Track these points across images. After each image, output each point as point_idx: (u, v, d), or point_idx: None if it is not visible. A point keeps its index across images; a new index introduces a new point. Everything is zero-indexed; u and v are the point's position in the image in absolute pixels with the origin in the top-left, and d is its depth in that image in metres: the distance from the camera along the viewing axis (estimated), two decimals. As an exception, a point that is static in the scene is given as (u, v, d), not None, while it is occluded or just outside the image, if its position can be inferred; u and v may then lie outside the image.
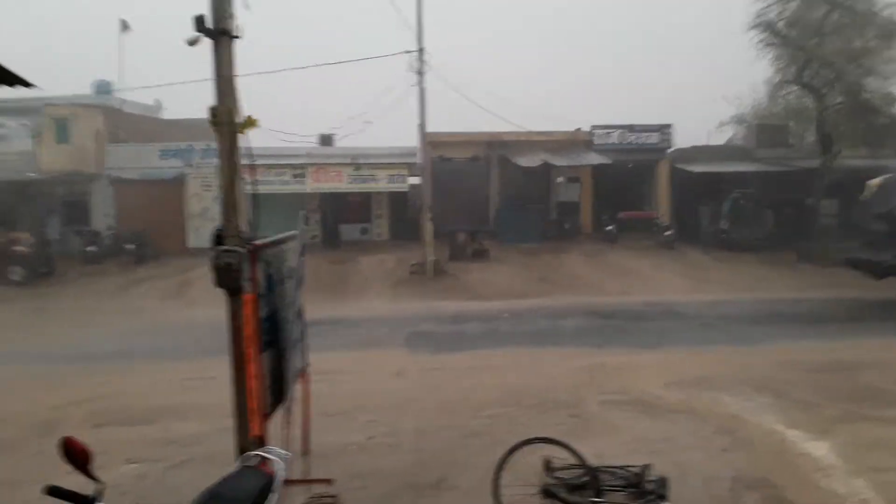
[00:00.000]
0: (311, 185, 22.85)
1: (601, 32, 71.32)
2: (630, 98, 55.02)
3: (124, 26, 26.98)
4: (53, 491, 2.47)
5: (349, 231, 25.08)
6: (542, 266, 20.31)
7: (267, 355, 4.97)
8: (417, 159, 23.12)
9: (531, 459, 4.47)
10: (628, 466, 4.89)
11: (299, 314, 5.54)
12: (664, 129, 25.69)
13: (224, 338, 4.48)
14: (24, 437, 7.12)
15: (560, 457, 4.58)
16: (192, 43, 4.35)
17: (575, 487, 4.53)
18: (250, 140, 4.64)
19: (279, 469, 3.27)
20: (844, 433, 6.56)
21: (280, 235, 5.44)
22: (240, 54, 4.50)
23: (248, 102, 4.51)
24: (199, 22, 4.27)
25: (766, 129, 25.74)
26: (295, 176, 22.57)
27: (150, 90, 28.88)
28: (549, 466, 4.73)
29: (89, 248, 21.77)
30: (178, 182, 23.61)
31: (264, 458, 3.53)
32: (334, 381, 8.75)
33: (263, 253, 4.82)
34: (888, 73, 20.78)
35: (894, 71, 20.76)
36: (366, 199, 25.14)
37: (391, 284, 18.90)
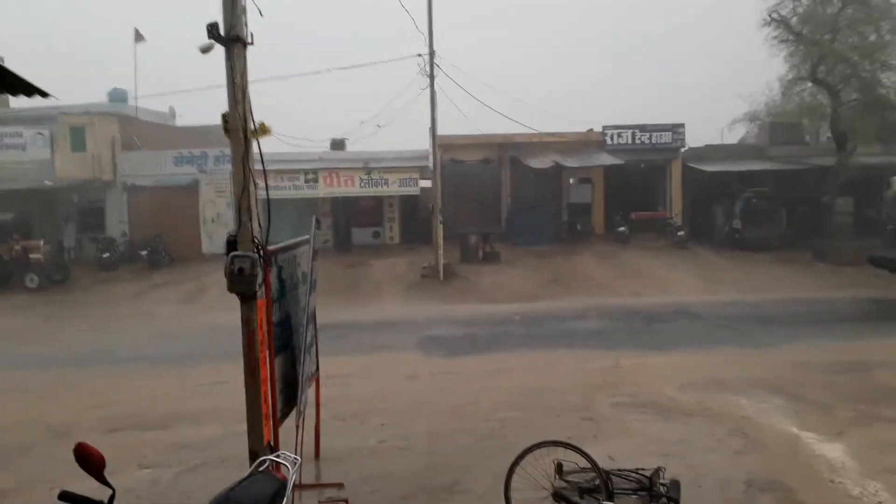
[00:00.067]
0: (323, 189, 22.98)
1: (601, 32, 71.30)
2: (636, 98, 54.86)
3: (138, 37, 27.24)
4: (66, 496, 2.50)
5: (361, 235, 25.18)
6: (553, 268, 20.26)
7: (280, 360, 5.02)
8: (429, 162, 23.15)
9: (543, 463, 4.47)
10: (640, 469, 4.87)
11: (312, 318, 5.58)
12: (676, 129, 25.48)
13: (237, 343, 4.52)
14: (39, 442, 7.21)
15: (572, 460, 4.58)
16: (206, 50, 4.34)
17: (586, 491, 4.51)
18: (263, 146, 4.67)
19: (291, 474, 3.29)
20: (859, 435, 6.51)
21: (293, 240, 5.48)
22: (252, 59, 4.52)
23: (260, 108, 4.53)
24: (213, 29, 4.26)
25: (779, 127, 25.49)
26: (307, 181, 22.72)
27: (164, 98, 28.99)
28: (560, 470, 4.72)
29: (104, 255, 22.01)
30: (192, 188, 23.83)
31: (277, 463, 3.55)
32: (346, 384, 8.82)
33: (276, 258, 4.87)
34: (904, 69, 20.58)
35: (910, 66, 20.56)
36: (377, 202, 25.23)
37: (403, 288, 18.94)
